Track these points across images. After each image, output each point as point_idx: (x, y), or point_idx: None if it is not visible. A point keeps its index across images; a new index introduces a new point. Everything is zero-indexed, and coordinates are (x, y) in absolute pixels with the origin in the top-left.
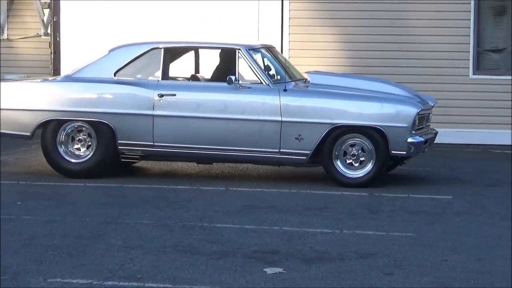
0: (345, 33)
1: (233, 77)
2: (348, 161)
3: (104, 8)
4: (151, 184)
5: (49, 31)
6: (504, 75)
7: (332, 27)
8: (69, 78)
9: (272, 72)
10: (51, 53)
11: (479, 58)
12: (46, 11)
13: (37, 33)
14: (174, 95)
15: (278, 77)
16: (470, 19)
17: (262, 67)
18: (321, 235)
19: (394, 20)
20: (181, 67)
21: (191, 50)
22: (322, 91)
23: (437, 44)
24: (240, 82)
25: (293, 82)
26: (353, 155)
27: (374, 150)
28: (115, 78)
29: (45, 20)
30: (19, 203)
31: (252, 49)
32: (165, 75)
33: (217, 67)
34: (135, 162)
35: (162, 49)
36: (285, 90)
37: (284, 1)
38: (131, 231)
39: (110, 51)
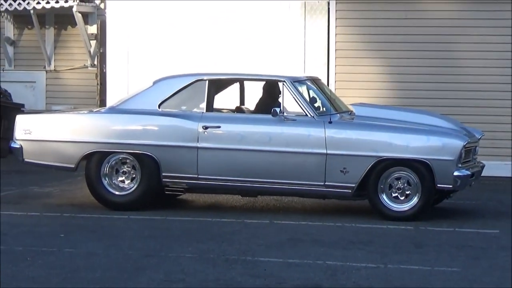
0: (391, 65)
1: (278, 109)
2: (393, 195)
3: (149, 39)
4: (195, 216)
5: (95, 62)
6: None
7: (377, 59)
8: (114, 110)
9: (317, 104)
10: (97, 84)
11: None
12: (93, 43)
13: (84, 64)
14: (219, 127)
15: (324, 109)
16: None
17: (307, 99)
18: (365, 270)
19: (439, 52)
20: (226, 99)
21: (236, 82)
22: (367, 123)
23: (484, 75)
24: (285, 114)
25: (338, 114)
26: (399, 188)
27: (420, 183)
28: (160, 109)
29: (91, 52)
30: (62, 235)
31: (297, 81)
32: (209, 107)
33: (262, 99)
34: (180, 195)
35: (207, 81)
36: (330, 122)
37: (330, 33)
38: (173, 265)
39: (154, 82)
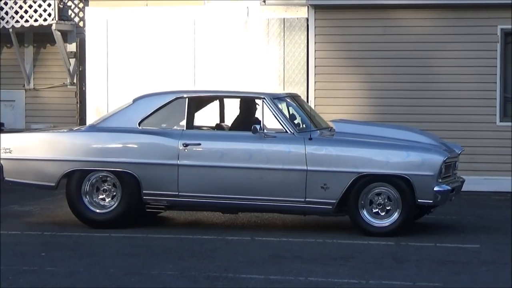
0: (371, 81)
1: (258, 126)
2: (374, 210)
3: (129, 57)
4: (176, 234)
5: (75, 80)
6: None
7: (357, 75)
8: (94, 128)
9: (297, 121)
10: (77, 102)
11: (505, 105)
12: (72, 61)
13: (63, 83)
14: (199, 144)
15: (304, 125)
16: (496, 66)
17: (287, 116)
18: (347, 286)
19: (419, 67)
20: (206, 116)
21: (216, 99)
22: (347, 139)
23: (463, 91)
24: (265, 131)
25: (318, 131)
26: (379, 204)
27: (400, 199)
28: (140, 127)
29: (71, 70)
30: (43, 254)
31: (276, 98)
32: (189, 124)
33: (240, 116)
34: (161, 212)
35: (187, 98)
36: (310, 138)
37: (309, 49)
38: (155, 283)
39: (134, 100)
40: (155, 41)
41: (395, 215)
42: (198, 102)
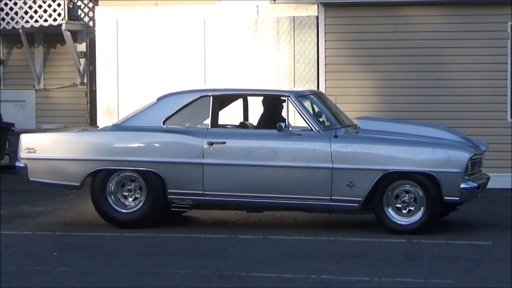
0: (381, 78)
1: (283, 124)
2: (399, 208)
3: (139, 57)
4: (188, 233)
5: (85, 80)
6: None
7: (368, 72)
8: (118, 127)
9: (322, 118)
10: (87, 102)
11: None
12: (82, 61)
13: (73, 83)
14: (224, 143)
15: (328, 123)
16: (507, 63)
17: (312, 114)
18: (359, 284)
19: (430, 64)
20: (231, 115)
21: (240, 97)
22: (373, 137)
23: (474, 88)
24: (290, 129)
25: (343, 129)
26: (405, 201)
27: (426, 196)
28: (164, 126)
29: (81, 70)
30: (55, 254)
31: (301, 96)
32: (214, 123)
33: (267, 114)
34: (185, 212)
35: (211, 97)
36: (335, 136)
37: (319, 47)
38: (167, 282)
39: (158, 99)
40: (165, 40)
41: (421, 213)
42: (222, 100)
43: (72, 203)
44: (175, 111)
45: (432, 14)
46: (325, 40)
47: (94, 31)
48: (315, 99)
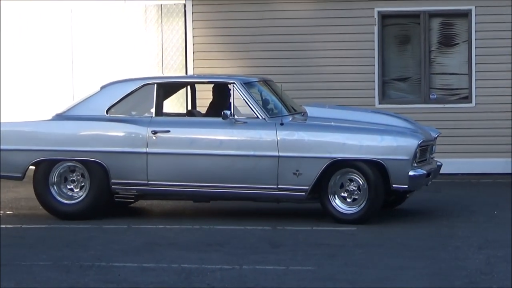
0: (251, 66)
1: (228, 112)
2: (345, 196)
3: (5, 50)
4: (51, 224)
5: None
6: (410, 104)
7: (236, 60)
8: (61, 117)
9: (270, 106)
10: None
11: (384, 87)
12: None
13: None
14: (168, 131)
15: (276, 111)
16: (374, 49)
17: (258, 101)
18: (220, 272)
19: (299, 51)
20: (178, 103)
21: (185, 85)
22: (320, 124)
23: (343, 74)
24: (235, 117)
25: (290, 116)
26: (348, 190)
27: (368, 185)
28: (108, 115)
29: None
30: None
31: (247, 83)
32: (158, 111)
33: (213, 102)
34: (131, 203)
35: (155, 85)
36: (281, 124)
37: (187, 35)
38: (25, 273)
39: (102, 87)
40: (33, 32)
41: (368, 201)
42: (167, 88)
43: None
44: (118, 99)
45: (300, 1)
46: (193, 28)
47: None
48: (264, 86)
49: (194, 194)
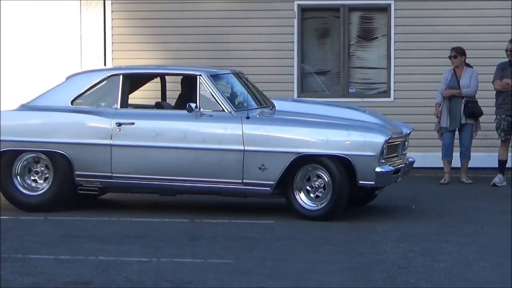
0: (170, 57)
1: (193, 105)
2: (311, 192)
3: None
4: None
5: None
6: (329, 98)
7: (156, 51)
8: (25, 107)
9: (238, 99)
10: None
11: (303, 81)
12: None
13: None
14: (133, 123)
15: (244, 104)
16: (293, 42)
17: (224, 94)
18: (137, 264)
19: (218, 43)
20: (147, 94)
21: (152, 76)
22: (286, 118)
23: (262, 67)
24: (201, 109)
25: (257, 110)
26: (313, 186)
27: (332, 181)
28: (72, 106)
29: None
30: None
31: (214, 75)
32: (123, 103)
33: (181, 94)
34: (97, 195)
35: (121, 76)
36: (247, 117)
37: (106, 26)
38: None
39: (67, 78)
40: None
41: (333, 197)
42: (133, 79)
43: None
44: (83, 90)
45: None
46: (112, 19)
47: None
48: (233, 79)
49: (159, 188)
